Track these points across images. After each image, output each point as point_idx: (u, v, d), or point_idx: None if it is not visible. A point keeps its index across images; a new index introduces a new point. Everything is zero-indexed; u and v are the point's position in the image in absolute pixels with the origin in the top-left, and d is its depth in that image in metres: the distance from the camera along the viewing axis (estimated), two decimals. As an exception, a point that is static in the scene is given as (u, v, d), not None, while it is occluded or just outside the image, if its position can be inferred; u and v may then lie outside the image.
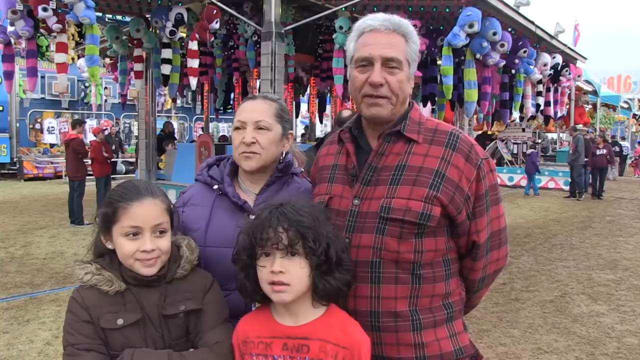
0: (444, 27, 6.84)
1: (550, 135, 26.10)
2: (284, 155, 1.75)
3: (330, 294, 1.38)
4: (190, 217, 1.69)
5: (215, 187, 1.71)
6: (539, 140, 21.57)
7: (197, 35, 6.77)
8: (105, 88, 19.55)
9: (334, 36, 6.50)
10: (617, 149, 19.33)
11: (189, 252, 1.53)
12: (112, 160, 10.37)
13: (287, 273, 1.32)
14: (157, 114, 9.00)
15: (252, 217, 1.45)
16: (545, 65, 8.08)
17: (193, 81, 6.91)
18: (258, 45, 6.80)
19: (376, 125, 1.55)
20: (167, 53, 6.99)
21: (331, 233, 1.38)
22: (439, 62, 6.28)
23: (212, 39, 7.94)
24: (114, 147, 14.24)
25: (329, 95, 12.02)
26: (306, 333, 1.35)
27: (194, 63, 6.81)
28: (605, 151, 14.00)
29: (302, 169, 1.89)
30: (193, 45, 6.74)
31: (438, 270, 1.48)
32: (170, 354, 1.38)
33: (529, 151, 15.30)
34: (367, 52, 1.48)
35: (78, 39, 7.00)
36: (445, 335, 1.48)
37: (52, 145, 18.40)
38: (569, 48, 9.33)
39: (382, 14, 1.52)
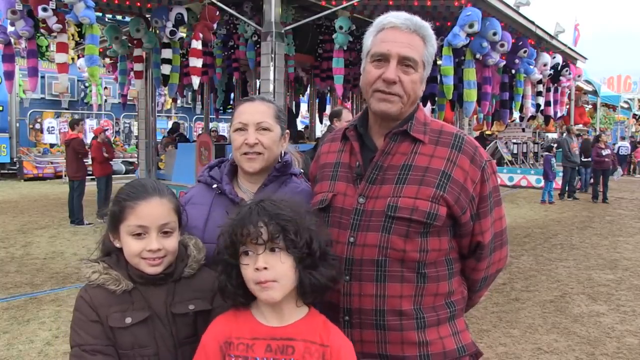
0: (444, 27, 6.84)
1: (550, 135, 26.07)
2: (282, 155, 1.79)
3: (316, 290, 1.33)
4: (189, 216, 1.71)
5: (215, 186, 1.75)
6: (540, 140, 21.37)
7: (200, 35, 6.77)
8: (105, 88, 19.53)
9: (334, 36, 6.50)
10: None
11: (196, 252, 1.53)
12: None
13: (271, 269, 1.28)
14: (157, 114, 9.00)
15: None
16: (545, 65, 8.08)
17: (196, 80, 6.90)
18: (258, 45, 6.80)
19: (383, 121, 1.55)
20: (167, 53, 7.00)
21: (314, 226, 1.34)
22: (439, 62, 6.28)
23: (213, 39, 7.95)
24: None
25: (328, 95, 12.01)
26: (291, 333, 1.32)
27: (197, 62, 6.80)
28: (609, 151, 13.94)
29: (302, 170, 1.90)
30: (197, 45, 6.73)
31: (441, 269, 1.50)
32: None
33: (544, 154, 13.87)
34: (384, 48, 1.47)
35: (78, 39, 7.00)
36: (448, 334, 1.50)
37: (52, 145, 18.38)
38: (569, 48, 9.33)
39: (404, 13, 1.52)
